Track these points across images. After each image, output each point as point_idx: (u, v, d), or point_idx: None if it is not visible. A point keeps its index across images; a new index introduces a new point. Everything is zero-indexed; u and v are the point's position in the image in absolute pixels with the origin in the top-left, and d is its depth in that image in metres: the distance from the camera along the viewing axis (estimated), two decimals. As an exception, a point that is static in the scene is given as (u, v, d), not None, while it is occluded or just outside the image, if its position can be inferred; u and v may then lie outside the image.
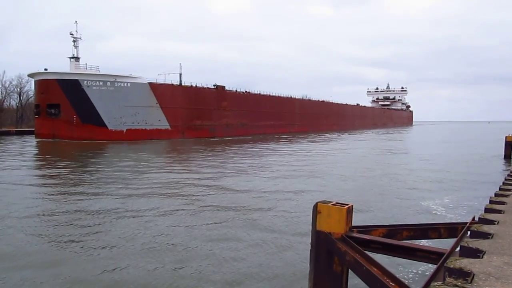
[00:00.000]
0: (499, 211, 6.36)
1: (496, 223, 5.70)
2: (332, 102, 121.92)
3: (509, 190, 8.00)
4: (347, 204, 5.33)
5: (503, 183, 9.27)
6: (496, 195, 7.61)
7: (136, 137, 58.14)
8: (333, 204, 5.30)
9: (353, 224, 5.54)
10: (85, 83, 55.91)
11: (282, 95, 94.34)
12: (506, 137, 37.72)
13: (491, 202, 6.99)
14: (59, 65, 61.94)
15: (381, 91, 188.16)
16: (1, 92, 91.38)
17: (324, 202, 5.38)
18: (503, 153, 37.13)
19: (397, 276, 4.76)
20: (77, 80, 55.81)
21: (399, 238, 5.66)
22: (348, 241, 5.16)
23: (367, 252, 5.11)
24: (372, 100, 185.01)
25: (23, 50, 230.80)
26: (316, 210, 5.33)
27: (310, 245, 5.60)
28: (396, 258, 5.50)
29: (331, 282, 5.29)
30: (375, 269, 4.82)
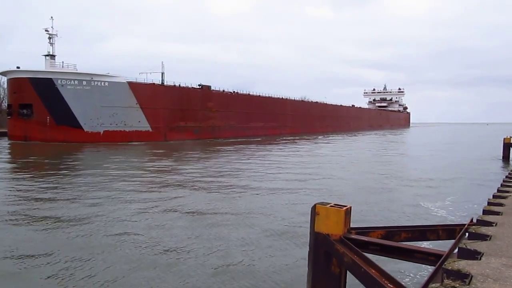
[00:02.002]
0: (497, 213, 6.71)
1: (494, 224, 6.03)
2: (326, 103, 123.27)
3: (507, 191, 8.40)
4: (345, 206, 5.65)
5: (501, 185, 9.67)
6: (494, 196, 8.01)
7: (114, 139, 57.86)
8: (331, 206, 5.61)
9: (352, 225, 5.88)
10: (59, 81, 55.46)
11: (273, 96, 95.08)
12: (504, 138, 39.22)
13: (489, 203, 7.36)
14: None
15: (378, 93, 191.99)
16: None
17: (322, 203, 5.69)
18: (501, 155, 38.66)
19: (395, 277, 5.08)
20: (50, 78, 55.33)
21: (397, 240, 5.99)
22: (346, 242, 5.46)
23: (365, 253, 5.39)
24: (369, 102, 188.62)
25: (22, 51, 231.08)
26: (314, 211, 5.63)
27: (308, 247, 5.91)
28: (395, 259, 5.82)
29: (330, 284, 5.58)
30: (373, 271, 5.09)
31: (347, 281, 5.70)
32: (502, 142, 39.50)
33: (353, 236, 5.65)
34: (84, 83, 56.77)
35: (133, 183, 23.06)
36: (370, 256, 5.38)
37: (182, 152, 44.93)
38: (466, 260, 4.53)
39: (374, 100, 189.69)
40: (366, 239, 5.69)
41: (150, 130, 63.01)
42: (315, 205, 5.65)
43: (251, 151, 47.69)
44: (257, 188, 21.41)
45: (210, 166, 31.64)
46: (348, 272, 5.55)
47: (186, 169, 29.93)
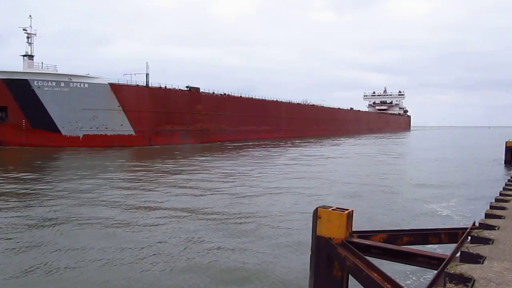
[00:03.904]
0: (499, 217, 7.05)
1: (496, 228, 6.34)
2: (323, 106, 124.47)
3: (509, 195, 8.76)
4: (347, 209, 5.99)
5: (504, 188, 10.08)
6: (496, 200, 8.38)
7: (95, 143, 57.74)
8: (333, 209, 5.93)
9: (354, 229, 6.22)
10: (35, 83, 55.31)
11: (266, 98, 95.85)
12: (506, 142, 40.33)
13: (491, 207, 7.69)
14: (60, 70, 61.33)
15: (378, 95, 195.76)
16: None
17: (324, 207, 6.00)
18: (503, 158, 39.76)
19: (397, 281, 5.41)
20: (26, 80, 55.18)
21: (400, 244, 6.32)
22: (348, 246, 5.79)
23: (367, 257, 5.72)
24: (369, 105, 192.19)
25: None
26: (316, 215, 5.95)
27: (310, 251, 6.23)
28: (397, 263, 6.14)
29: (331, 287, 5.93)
30: (375, 275, 5.41)
31: (349, 285, 6.01)
32: (504, 145, 40.58)
33: (355, 240, 5.98)
34: (62, 84, 56.63)
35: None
36: (372, 259, 5.70)
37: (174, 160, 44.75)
38: (468, 264, 4.77)
39: (374, 103, 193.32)
40: (368, 243, 6.01)
41: (134, 134, 62.99)
42: (317, 208, 5.96)
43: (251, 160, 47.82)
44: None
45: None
46: (350, 275, 5.87)
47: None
